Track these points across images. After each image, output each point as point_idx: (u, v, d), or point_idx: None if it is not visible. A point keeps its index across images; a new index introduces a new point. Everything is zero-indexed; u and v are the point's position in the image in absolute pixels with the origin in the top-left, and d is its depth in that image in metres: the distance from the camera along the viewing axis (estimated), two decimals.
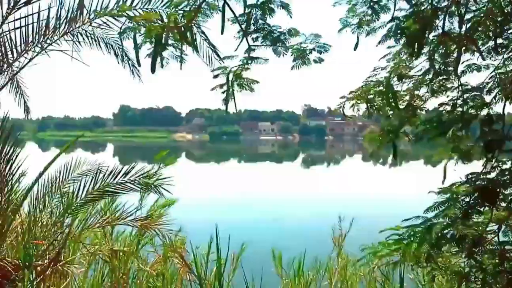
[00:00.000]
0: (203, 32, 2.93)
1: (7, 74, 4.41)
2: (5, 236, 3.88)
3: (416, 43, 3.01)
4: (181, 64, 2.69)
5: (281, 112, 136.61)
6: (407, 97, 3.75)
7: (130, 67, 4.57)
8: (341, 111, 3.77)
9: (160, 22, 2.37)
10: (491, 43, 3.29)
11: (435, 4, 3.08)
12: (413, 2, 3.12)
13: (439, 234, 2.95)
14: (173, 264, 4.68)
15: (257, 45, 3.03)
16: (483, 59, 3.29)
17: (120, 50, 4.48)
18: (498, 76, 3.38)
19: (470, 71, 3.45)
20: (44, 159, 4.16)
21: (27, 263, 3.37)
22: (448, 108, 3.50)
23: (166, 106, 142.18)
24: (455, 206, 3.05)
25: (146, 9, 3.73)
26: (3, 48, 4.16)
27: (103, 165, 4.43)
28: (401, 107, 3.61)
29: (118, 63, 4.57)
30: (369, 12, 3.31)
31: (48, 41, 4.29)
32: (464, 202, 3.09)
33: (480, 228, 3.05)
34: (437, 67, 3.49)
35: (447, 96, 3.55)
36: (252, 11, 2.88)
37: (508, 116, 3.23)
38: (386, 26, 3.28)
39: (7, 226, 3.86)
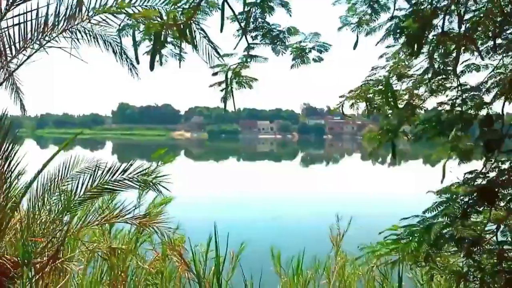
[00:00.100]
0: (202, 30, 2.92)
1: (5, 71, 4.39)
2: (4, 233, 3.87)
3: (416, 43, 3.01)
4: (180, 62, 2.69)
5: (280, 111, 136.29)
6: (406, 96, 3.75)
7: (128, 64, 4.56)
8: (340, 110, 3.77)
9: (159, 19, 2.36)
10: (491, 43, 3.29)
11: (435, 4, 3.07)
12: (413, 1, 3.12)
13: (438, 234, 2.95)
14: (171, 262, 4.68)
15: (256, 44, 3.02)
16: (482, 59, 3.29)
17: (119, 47, 4.47)
18: (497, 76, 3.38)
19: (469, 71, 3.45)
20: (42, 157, 4.16)
21: (26, 260, 3.35)
22: (447, 107, 3.51)
23: (165, 104, 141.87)
24: (454, 206, 3.05)
25: (145, 6, 3.71)
26: (1, 45, 4.15)
27: (102, 162, 4.43)
28: (400, 106, 3.60)
29: (117, 60, 4.55)
30: (369, 11, 3.31)
31: (47, 38, 4.27)
32: (463, 201, 3.09)
33: (479, 228, 3.06)
34: (436, 66, 3.49)
35: (446, 96, 3.57)
36: (251, 9, 2.87)
37: (507, 116, 3.23)
38: (386, 25, 3.28)
39: (5, 223, 3.86)
